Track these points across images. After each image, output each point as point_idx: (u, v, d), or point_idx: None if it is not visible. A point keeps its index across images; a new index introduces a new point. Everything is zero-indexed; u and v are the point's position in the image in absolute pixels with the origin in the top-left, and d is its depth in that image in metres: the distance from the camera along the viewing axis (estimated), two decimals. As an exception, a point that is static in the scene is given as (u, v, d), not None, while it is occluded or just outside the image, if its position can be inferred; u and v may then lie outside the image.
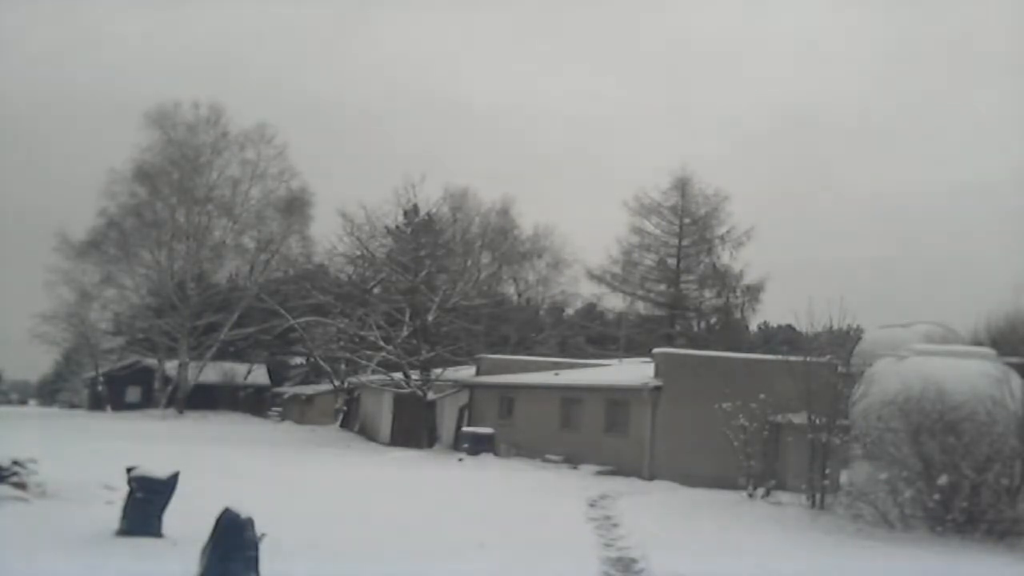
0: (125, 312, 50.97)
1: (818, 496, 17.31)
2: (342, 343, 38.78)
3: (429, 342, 33.82)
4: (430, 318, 34.04)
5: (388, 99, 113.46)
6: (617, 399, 24.83)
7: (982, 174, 79.02)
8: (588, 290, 52.64)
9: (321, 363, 44.49)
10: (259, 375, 55.52)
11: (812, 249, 74.15)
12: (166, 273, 47.65)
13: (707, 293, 50.43)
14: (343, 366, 41.81)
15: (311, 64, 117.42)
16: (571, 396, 27.15)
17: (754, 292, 49.11)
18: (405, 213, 36.83)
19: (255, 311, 47.75)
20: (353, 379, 39.79)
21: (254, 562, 8.16)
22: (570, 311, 57.24)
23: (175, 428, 35.54)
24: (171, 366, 48.78)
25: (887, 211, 79.36)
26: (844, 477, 17.19)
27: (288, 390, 52.48)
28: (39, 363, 74.98)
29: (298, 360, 57.89)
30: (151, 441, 26.35)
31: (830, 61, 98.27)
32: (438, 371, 33.59)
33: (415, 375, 33.55)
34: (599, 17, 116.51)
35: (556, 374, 30.15)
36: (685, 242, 49.79)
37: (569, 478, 22.16)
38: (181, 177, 47.60)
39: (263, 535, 8.32)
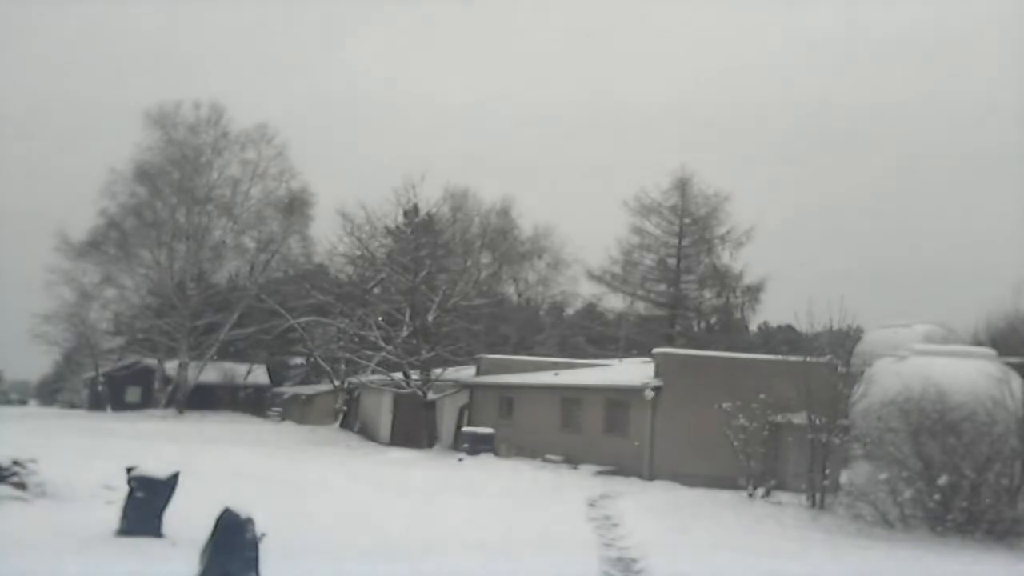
0: (125, 312, 50.94)
1: (818, 496, 17.33)
2: (342, 343, 38.77)
3: (429, 342, 33.80)
4: (430, 318, 34.03)
5: (388, 99, 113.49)
6: (617, 399, 24.83)
7: (983, 174, 79.00)
8: (588, 290, 52.69)
9: (321, 363, 44.47)
10: (259, 375, 55.48)
11: (812, 249, 74.18)
12: (166, 273, 47.61)
13: (707, 293, 50.41)
14: (343, 366, 41.79)
15: (311, 64, 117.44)
16: (571, 396, 27.14)
17: (754, 292, 49.10)
18: (405, 213, 36.79)
19: (255, 311, 47.71)
20: (353, 379, 39.77)
21: (254, 562, 8.16)
22: (570, 311, 57.25)
23: (175, 428, 35.49)
24: (171, 366, 48.74)
25: (887, 211, 79.39)
26: (844, 477, 17.19)
27: (288, 390, 52.45)
28: (39, 363, 74.98)
29: (298, 360, 57.86)
30: (151, 441, 26.33)
31: (831, 59, 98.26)
32: (438, 371, 33.58)
33: (415, 375, 33.53)
34: (599, 16, 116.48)
35: (556, 374, 30.14)
36: (685, 242, 49.76)
37: (569, 478, 22.14)
38: (181, 177, 47.56)
39: (263, 535, 8.31)
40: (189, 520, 9.77)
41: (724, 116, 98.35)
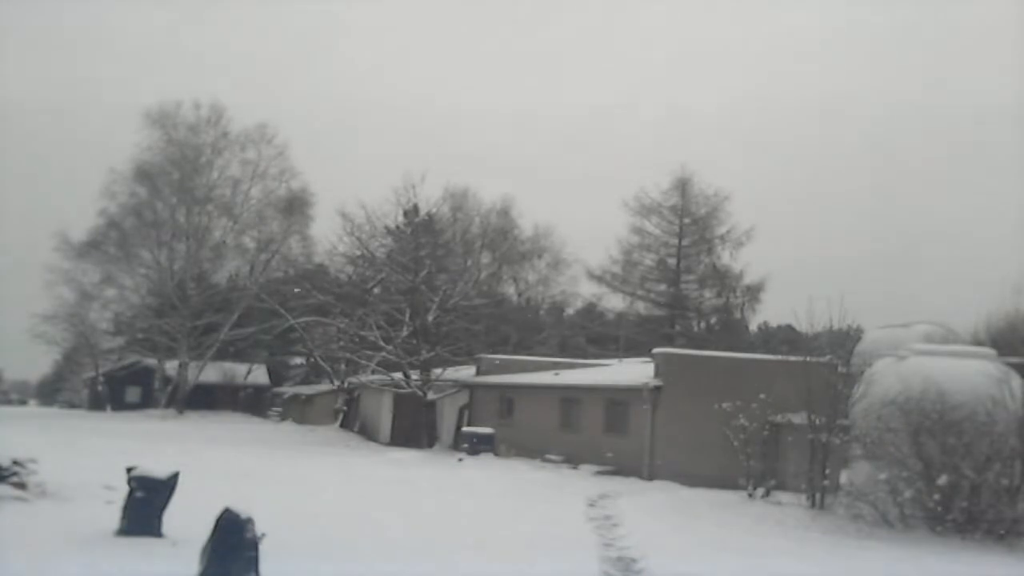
0: (125, 312, 50.96)
1: (818, 496, 17.31)
2: (342, 343, 38.76)
3: (429, 342, 33.81)
4: (430, 318, 34.03)
5: (388, 99, 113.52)
6: (617, 399, 24.83)
7: (982, 173, 79.01)
8: (588, 290, 52.77)
9: (321, 363, 44.49)
10: (259, 375, 55.49)
11: (812, 249, 74.16)
12: (166, 273, 47.61)
13: (707, 293, 50.47)
14: (343, 366, 41.79)
15: (311, 64, 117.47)
16: (571, 396, 27.15)
17: (754, 292, 49.16)
18: (405, 213, 36.81)
19: (255, 311, 47.72)
20: (353, 379, 39.78)
21: (254, 562, 8.15)
22: (570, 311, 57.26)
23: (175, 428, 35.51)
24: (171, 366, 48.75)
25: (887, 211, 79.36)
26: (844, 477, 17.18)
27: (288, 390, 52.46)
28: (39, 363, 74.98)
29: (298, 360, 57.87)
30: (151, 441, 26.33)
31: (831, 59, 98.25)
32: (438, 371, 33.59)
33: (415, 375, 33.53)
34: (599, 14, 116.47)
35: (556, 374, 30.14)
36: (685, 242, 49.80)
37: (569, 478, 22.15)
38: (181, 177, 47.56)
39: (263, 535, 8.31)
40: (189, 520, 9.77)
41: (724, 115, 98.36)
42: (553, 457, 25.50)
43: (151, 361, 50.18)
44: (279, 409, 50.04)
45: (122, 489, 10.78)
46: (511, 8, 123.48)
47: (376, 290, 38.62)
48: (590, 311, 53.94)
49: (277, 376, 57.23)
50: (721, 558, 12.21)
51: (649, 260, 50.69)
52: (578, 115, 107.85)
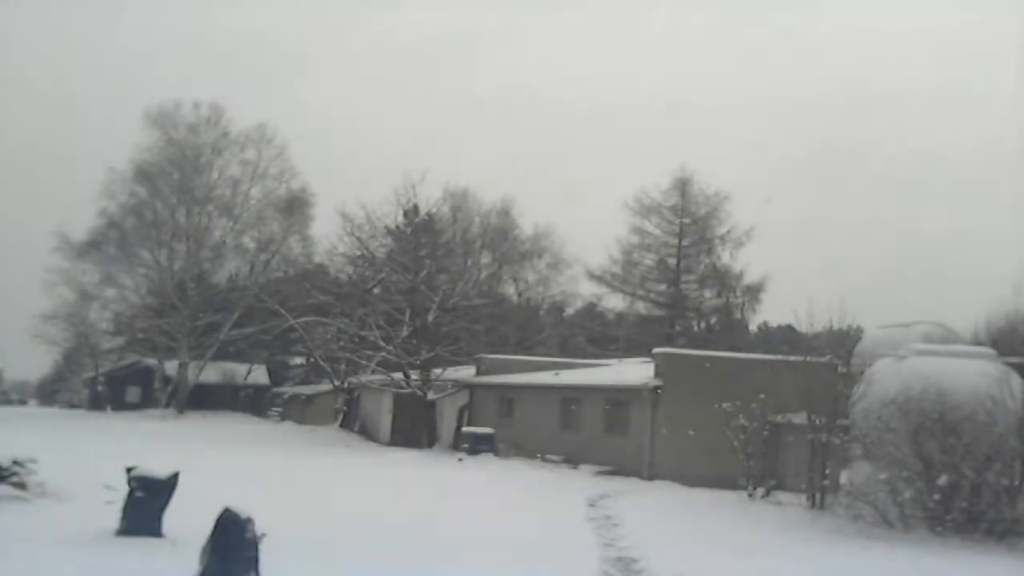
0: (125, 312, 50.93)
1: (818, 496, 17.33)
2: (342, 343, 38.78)
3: (429, 342, 33.82)
4: (430, 318, 34.05)
5: (388, 98, 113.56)
6: (617, 399, 24.83)
7: (983, 173, 79.02)
8: (588, 290, 52.74)
9: (321, 363, 44.48)
10: (259, 375, 55.50)
11: (812, 249, 74.04)
12: (166, 273, 47.60)
13: (707, 293, 50.49)
14: (343, 366, 41.80)
15: (311, 64, 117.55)
16: (571, 396, 27.15)
17: (754, 292, 49.16)
18: (405, 213, 36.84)
19: (255, 311, 47.70)
20: (353, 379, 39.79)
21: (254, 562, 8.15)
22: (570, 311, 57.26)
23: (175, 428, 35.53)
24: (171, 366, 48.74)
25: (887, 210, 79.32)
26: (844, 477, 17.18)
27: (288, 390, 52.46)
28: (39, 363, 74.96)
29: (298, 360, 57.89)
30: (151, 441, 26.34)
31: (830, 58, 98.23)
32: (438, 371, 33.60)
33: (415, 375, 33.54)
34: (599, 14, 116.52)
35: (556, 374, 30.14)
36: (685, 242, 49.81)
37: (569, 478, 22.16)
38: (181, 177, 47.53)
39: (263, 535, 8.30)
40: (189, 520, 9.77)
41: (725, 115, 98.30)
42: (553, 457, 25.50)
43: (151, 361, 50.19)
44: (279, 409, 50.03)
45: (122, 489, 10.79)
46: (510, 8, 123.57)
47: (376, 290, 38.64)
48: (590, 311, 53.94)
49: (277, 376, 57.24)
50: (721, 558, 12.22)
51: (649, 260, 50.73)
52: (578, 115, 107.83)
